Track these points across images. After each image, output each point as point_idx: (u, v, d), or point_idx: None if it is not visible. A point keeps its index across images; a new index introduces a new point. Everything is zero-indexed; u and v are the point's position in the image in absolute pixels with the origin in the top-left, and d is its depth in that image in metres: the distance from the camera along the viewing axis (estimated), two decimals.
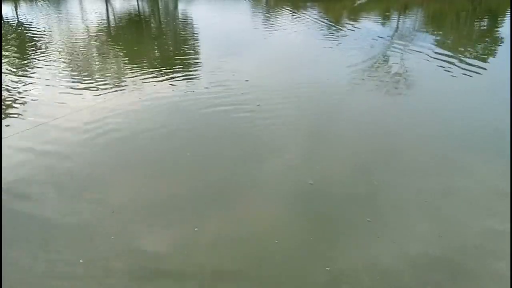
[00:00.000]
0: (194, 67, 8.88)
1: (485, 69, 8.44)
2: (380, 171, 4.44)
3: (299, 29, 13.52)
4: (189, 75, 8.24)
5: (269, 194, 4.06)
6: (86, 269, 3.11)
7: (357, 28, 13.36)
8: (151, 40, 12.76)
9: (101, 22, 16.15)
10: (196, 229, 3.50)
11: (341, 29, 13.24)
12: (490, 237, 3.40)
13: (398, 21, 15.36)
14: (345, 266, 3.11)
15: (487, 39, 11.76)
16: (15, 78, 8.17)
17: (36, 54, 10.41)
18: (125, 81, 7.89)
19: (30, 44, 11.97)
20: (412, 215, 3.70)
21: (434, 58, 9.33)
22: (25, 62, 9.75)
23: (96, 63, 9.52)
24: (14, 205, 3.90)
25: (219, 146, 5.07)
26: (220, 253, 3.27)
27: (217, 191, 4.10)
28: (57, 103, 6.68)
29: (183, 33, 13.51)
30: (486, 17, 16.12)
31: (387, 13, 17.21)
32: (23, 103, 6.72)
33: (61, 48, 11.05)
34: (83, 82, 7.85)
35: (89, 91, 7.31)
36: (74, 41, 12.00)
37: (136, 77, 8.03)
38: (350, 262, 3.15)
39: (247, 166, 4.58)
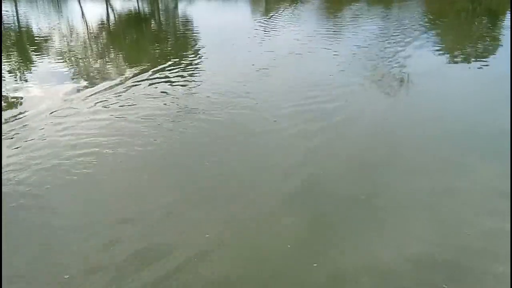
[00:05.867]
0: (195, 70, 8.88)
1: (485, 68, 8.44)
2: (380, 171, 4.46)
3: (299, 27, 13.53)
4: (189, 79, 8.22)
5: (269, 192, 4.07)
6: None
7: (357, 27, 13.37)
8: (151, 42, 12.72)
9: (101, 22, 16.17)
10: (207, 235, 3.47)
11: (341, 26, 13.24)
12: (489, 237, 3.41)
13: (398, 20, 15.35)
14: (345, 266, 3.11)
15: (487, 39, 11.75)
16: (14, 77, 8.20)
17: (35, 53, 10.43)
18: (123, 82, 7.85)
19: (30, 43, 12.00)
20: (412, 215, 3.71)
21: (434, 57, 9.34)
22: (25, 61, 9.76)
23: (95, 62, 9.51)
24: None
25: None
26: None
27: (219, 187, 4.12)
28: (58, 103, 6.69)
29: (182, 37, 13.48)
30: (486, 17, 16.13)
31: (387, 12, 17.20)
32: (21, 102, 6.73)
33: (60, 48, 11.05)
34: (81, 81, 7.85)
35: (85, 90, 7.30)
36: (74, 41, 12.01)
37: (133, 79, 8.02)
38: (350, 262, 3.16)
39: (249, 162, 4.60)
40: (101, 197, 4.05)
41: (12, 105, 6.67)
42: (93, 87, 7.50)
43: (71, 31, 13.94)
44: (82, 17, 17.78)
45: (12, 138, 5.31)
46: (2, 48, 10.73)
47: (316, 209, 3.80)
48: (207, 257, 3.19)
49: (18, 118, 6.01)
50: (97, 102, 6.62)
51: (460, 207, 3.80)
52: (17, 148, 5.03)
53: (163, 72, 8.38)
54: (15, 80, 8.10)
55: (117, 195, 4.09)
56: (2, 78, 8.02)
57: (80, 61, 9.64)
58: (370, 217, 3.67)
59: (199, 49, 10.77)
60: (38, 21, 16.06)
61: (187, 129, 5.57)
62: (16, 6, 20.17)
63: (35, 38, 12.64)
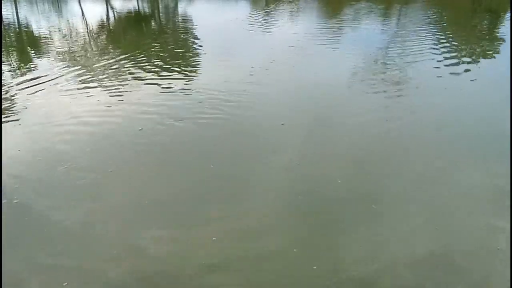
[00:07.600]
0: (194, 71, 8.89)
1: (485, 69, 8.45)
2: (380, 172, 4.46)
3: (299, 27, 13.55)
4: (187, 79, 8.22)
5: (268, 190, 4.08)
6: None
7: (357, 27, 13.38)
8: (151, 42, 12.70)
9: (101, 22, 16.16)
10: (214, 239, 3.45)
11: (341, 27, 13.25)
12: (489, 237, 3.42)
13: (399, 19, 15.37)
14: (344, 267, 3.12)
15: (486, 39, 11.75)
16: (14, 76, 8.21)
17: (35, 53, 10.43)
18: (123, 83, 7.84)
19: (30, 43, 12.00)
20: (412, 218, 3.72)
21: (433, 57, 9.34)
22: (25, 60, 9.76)
23: (95, 63, 9.49)
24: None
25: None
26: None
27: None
28: (58, 104, 6.70)
29: (181, 41, 13.46)
30: (487, 16, 16.14)
31: (388, 11, 17.21)
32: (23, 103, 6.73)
33: (60, 48, 11.05)
34: (80, 82, 7.85)
35: (83, 90, 7.31)
36: (74, 41, 12.01)
37: (133, 81, 8.01)
38: (350, 262, 3.16)
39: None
40: None
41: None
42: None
43: (71, 30, 13.94)
44: (82, 17, 17.77)
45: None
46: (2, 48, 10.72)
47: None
48: None
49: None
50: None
51: (459, 207, 3.82)
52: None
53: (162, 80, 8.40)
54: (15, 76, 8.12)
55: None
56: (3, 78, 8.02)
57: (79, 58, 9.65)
58: (370, 217, 3.69)
59: (198, 49, 10.79)
60: (38, 21, 16.04)
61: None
62: (16, 6, 20.16)
63: (35, 37, 12.64)
